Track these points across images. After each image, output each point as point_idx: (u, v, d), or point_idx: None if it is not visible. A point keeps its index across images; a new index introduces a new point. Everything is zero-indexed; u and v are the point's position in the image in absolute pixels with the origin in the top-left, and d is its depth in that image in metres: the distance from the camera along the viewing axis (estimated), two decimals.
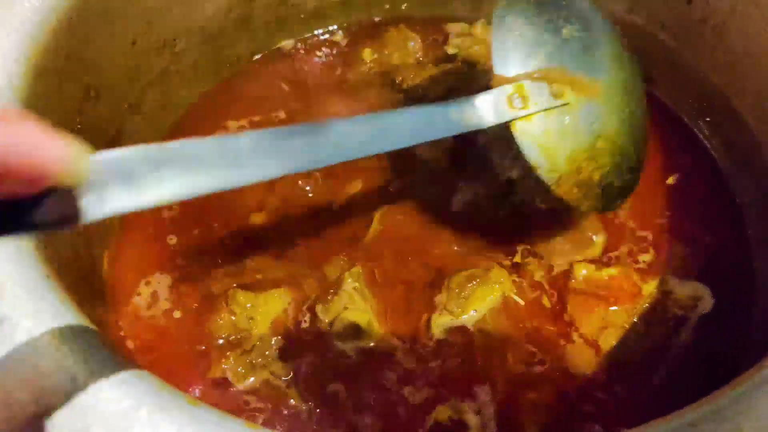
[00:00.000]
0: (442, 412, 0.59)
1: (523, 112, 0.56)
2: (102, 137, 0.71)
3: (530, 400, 0.60)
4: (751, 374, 0.44)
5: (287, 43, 0.89)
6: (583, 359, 0.62)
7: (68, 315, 0.44)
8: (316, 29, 0.90)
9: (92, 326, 0.44)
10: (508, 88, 0.56)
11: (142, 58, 0.75)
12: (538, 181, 0.58)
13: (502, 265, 0.67)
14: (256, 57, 0.88)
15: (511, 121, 0.56)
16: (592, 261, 0.67)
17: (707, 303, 0.65)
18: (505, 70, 0.57)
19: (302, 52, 0.88)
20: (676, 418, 0.42)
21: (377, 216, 0.70)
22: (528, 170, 0.58)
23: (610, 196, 0.61)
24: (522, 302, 0.65)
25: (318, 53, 0.88)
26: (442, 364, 0.62)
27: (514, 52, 0.57)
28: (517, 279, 0.66)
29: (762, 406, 0.42)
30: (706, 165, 0.77)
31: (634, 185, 0.62)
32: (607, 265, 0.67)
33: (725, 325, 0.65)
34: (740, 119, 0.73)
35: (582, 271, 0.66)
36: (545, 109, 0.56)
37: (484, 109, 0.54)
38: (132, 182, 0.34)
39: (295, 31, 0.88)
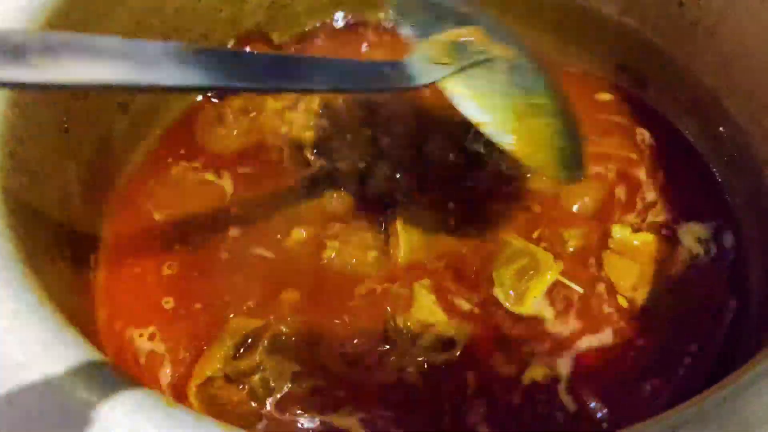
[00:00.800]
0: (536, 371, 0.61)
1: (449, 69, 0.55)
2: (91, 137, 0.71)
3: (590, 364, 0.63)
4: (735, 378, 0.44)
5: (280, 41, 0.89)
6: (622, 317, 0.65)
7: (48, 317, 0.44)
8: (308, 27, 0.90)
9: (71, 328, 0.44)
10: (431, 48, 0.56)
11: None
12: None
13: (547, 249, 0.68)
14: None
15: (441, 79, 0.55)
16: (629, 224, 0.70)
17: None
18: (423, 36, 0.58)
19: (293, 49, 0.88)
20: (660, 421, 0.42)
21: (399, 226, 0.68)
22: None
23: (567, 160, 0.58)
24: (580, 289, 0.66)
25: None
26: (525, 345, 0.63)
27: (425, 19, 0.59)
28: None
29: (745, 410, 0.41)
30: (698, 166, 0.77)
31: (584, 154, 0.61)
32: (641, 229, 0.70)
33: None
34: (731, 119, 0.73)
35: (618, 234, 0.69)
36: (470, 64, 0.56)
37: (414, 68, 0.54)
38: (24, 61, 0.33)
39: (285, 30, 0.88)
